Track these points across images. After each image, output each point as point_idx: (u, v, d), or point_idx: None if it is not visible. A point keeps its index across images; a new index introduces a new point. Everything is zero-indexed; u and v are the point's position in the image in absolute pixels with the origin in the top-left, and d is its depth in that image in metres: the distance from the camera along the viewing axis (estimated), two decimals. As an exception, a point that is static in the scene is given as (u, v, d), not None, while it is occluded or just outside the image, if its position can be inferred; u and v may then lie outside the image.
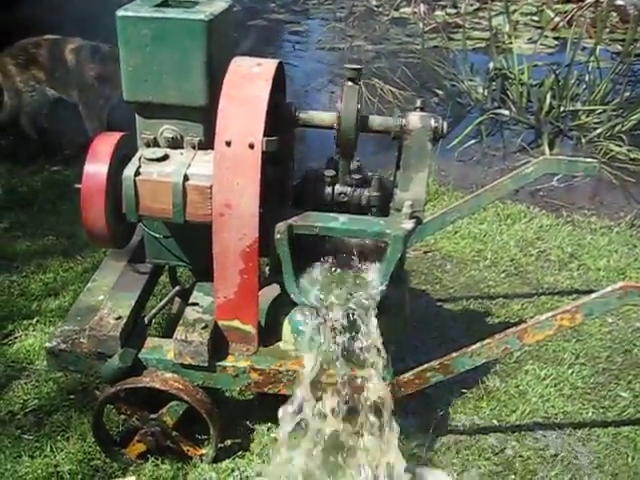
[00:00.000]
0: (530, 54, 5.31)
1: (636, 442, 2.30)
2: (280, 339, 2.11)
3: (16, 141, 4.17)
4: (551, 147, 4.51)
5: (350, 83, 1.97)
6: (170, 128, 2.05)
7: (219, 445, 2.12)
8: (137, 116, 2.07)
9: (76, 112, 4.02)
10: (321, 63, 6.02)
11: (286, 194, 2.10)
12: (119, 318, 2.05)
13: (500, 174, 3.86)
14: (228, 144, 1.83)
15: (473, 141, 4.54)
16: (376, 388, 1.94)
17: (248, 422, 2.29)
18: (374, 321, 1.91)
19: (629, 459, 2.24)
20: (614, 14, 6.79)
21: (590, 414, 2.41)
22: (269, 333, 2.10)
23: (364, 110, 2.04)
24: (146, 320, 2.12)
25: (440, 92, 5.22)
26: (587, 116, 4.76)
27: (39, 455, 2.15)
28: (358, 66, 1.97)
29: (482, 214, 3.55)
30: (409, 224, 1.95)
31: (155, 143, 2.07)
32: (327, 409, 1.95)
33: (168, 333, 2.24)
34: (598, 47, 5.06)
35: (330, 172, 2.04)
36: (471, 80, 5.27)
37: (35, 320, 2.70)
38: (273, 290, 2.14)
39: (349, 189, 2.05)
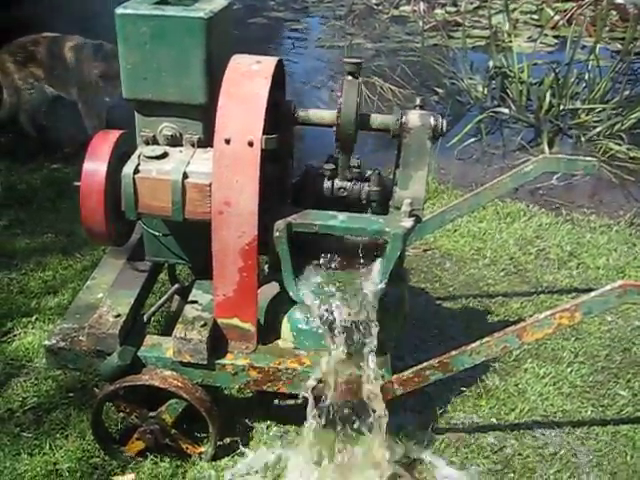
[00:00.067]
0: (530, 52, 5.31)
1: (635, 441, 2.30)
2: (279, 337, 2.11)
3: (15, 139, 4.17)
4: (551, 146, 4.51)
5: (350, 77, 1.96)
6: (169, 126, 2.05)
7: (218, 443, 2.12)
8: (136, 114, 2.07)
9: (75, 110, 4.02)
10: (320, 61, 6.02)
11: (285, 192, 2.10)
12: (118, 316, 2.05)
13: (500, 172, 3.85)
14: (227, 142, 1.82)
15: (473, 139, 4.54)
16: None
17: (247, 420, 2.29)
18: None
19: (628, 457, 2.24)
20: (614, 12, 6.79)
21: (589, 413, 2.41)
22: (268, 331, 2.10)
23: (364, 108, 2.04)
24: (145, 318, 2.12)
25: (440, 90, 5.22)
26: (587, 115, 4.76)
27: (38, 453, 2.15)
28: (358, 60, 1.96)
29: (481, 212, 3.55)
30: (408, 222, 1.95)
31: (154, 141, 2.06)
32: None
33: (167, 331, 2.24)
34: (598, 46, 5.06)
35: (330, 166, 2.04)
36: (471, 78, 5.27)
37: (34, 318, 2.70)
38: (272, 288, 2.14)
39: (349, 184, 2.05)
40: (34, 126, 4.18)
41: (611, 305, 1.95)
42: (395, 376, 2.03)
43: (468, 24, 6.47)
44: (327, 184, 2.05)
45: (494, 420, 2.37)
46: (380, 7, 7.47)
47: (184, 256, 2.25)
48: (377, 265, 2.01)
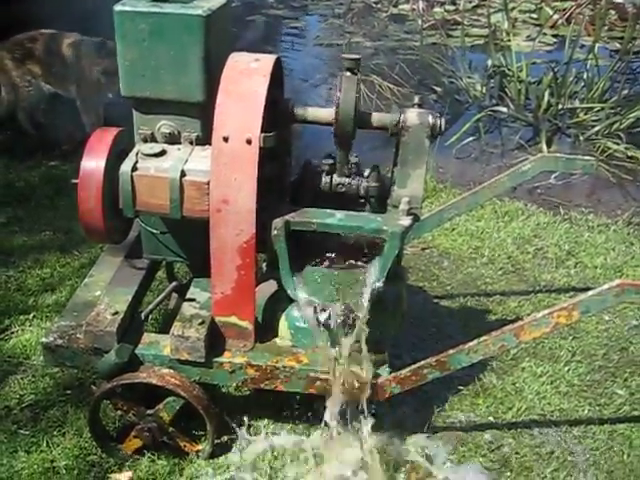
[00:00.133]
0: (529, 51, 5.31)
1: (632, 439, 2.30)
2: (277, 335, 2.11)
3: (13, 136, 4.15)
4: (549, 145, 4.50)
5: (348, 73, 1.96)
6: (167, 123, 2.05)
7: (215, 441, 2.12)
8: (134, 111, 2.07)
9: (73, 107, 4.01)
10: (319, 59, 6.01)
11: (284, 190, 2.10)
12: (116, 313, 2.05)
13: (498, 171, 3.84)
14: (226, 140, 1.82)
15: (471, 138, 4.54)
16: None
17: (245, 418, 2.28)
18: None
19: (624, 456, 2.25)
20: (612, 12, 6.78)
21: (586, 411, 2.41)
22: (266, 329, 2.10)
23: (362, 107, 2.03)
24: (143, 316, 2.12)
25: (438, 89, 5.21)
26: (585, 114, 4.76)
27: (35, 450, 2.14)
28: (356, 56, 1.95)
29: (480, 211, 3.55)
30: (406, 221, 1.95)
31: (152, 138, 2.06)
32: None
33: (165, 329, 2.24)
34: (596, 45, 5.05)
35: (328, 161, 2.04)
36: (469, 77, 5.27)
37: (32, 315, 2.70)
38: (270, 286, 2.14)
39: (347, 180, 2.05)
40: (32, 123, 4.17)
41: (609, 304, 1.95)
42: (393, 374, 2.03)
43: (467, 23, 6.45)
44: (326, 179, 2.05)
45: (491, 419, 2.37)
46: (379, 5, 7.46)
47: (182, 254, 2.25)
48: (375, 263, 2.01)
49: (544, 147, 4.44)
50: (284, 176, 2.13)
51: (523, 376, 2.54)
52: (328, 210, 1.98)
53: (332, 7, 7.47)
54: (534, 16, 7.12)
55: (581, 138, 4.57)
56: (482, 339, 1.97)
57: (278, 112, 2.01)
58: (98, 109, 4.00)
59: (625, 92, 4.90)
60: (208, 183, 1.87)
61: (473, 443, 2.27)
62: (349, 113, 1.93)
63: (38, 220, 3.37)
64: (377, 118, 2.02)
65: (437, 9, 7.16)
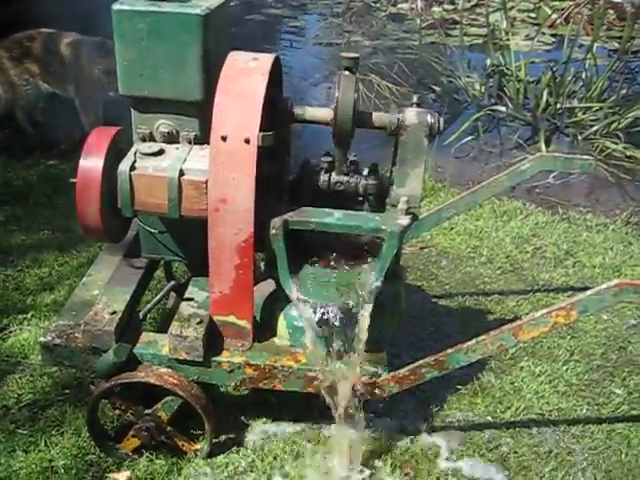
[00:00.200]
0: (527, 51, 5.32)
1: (630, 439, 2.30)
2: (275, 335, 2.11)
3: (12, 135, 4.15)
4: (547, 144, 4.51)
5: (347, 72, 1.95)
6: (166, 123, 2.04)
7: (214, 440, 2.12)
8: (133, 110, 2.06)
9: (72, 106, 4.00)
10: (318, 58, 6.01)
11: (282, 189, 2.10)
12: (114, 313, 2.05)
13: (496, 171, 3.85)
14: (224, 139, 1.82)
15: (470, 137, 4.54)
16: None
17: (243, 417, 2.29)
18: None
19: (623, 456, 2.25)
20: (611, 11, 6.79)
21: (584, 411, 2.42)
22: (264, 328, 2.10)
23: (361, 106, 2.03)
24: (141, 315, 2.11)
25: (437, 88, 5.21)
26: (584, 113, 4.76)
27: (33, 450, 2.14)
28: (355, 55, 1.95)
29: (478, 211, 3.55)
30: (405, 220, 1.95)
31: (151, 138, 2.06)
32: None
33: (163, 328, 2.23)
34: (595, 44, 5.06)
35: (327, 158, 2.04)
36: (468, 76, 5.27)
37: (30, 314, 2.70)
38: (268, 285, 2.13)
39: (345, 178, 2.05)
40: (30, 122, 4.17)
41: (607, 304, 1.95)
42: (391, 374, 2.03)
43: (465, 22, 6.46)
44: (324, 177, 2.05)
45: (490, 418, 2.37)
46: (378, 5, 7.46)
47: (180, 253, 2.25)
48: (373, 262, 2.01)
49: (543, 146, 4.44)
50: (283, 175, 2.13)
51: (522, 375, 2.54)
52: (326, 209, 1.98)
53: (331, 6, 7.48)
54: (533, 15, 7.13)
55: (579, 137, 4.57)
56: (480, 338, 1.97)
57: (277, 111, 2.01)
58: (97, 108, 4.00)
59: (623, 92, 4.90)
60: (206, 182, 1.87)
61: (471, 442, 2.27)
62: (348, 113, 1.93)
63: (36, 219, 3.37)
64: (376, 117, 2.02)
65: (436, 8, 7.17)
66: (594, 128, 4.57)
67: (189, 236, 2.13)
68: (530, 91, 4.98)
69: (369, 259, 2.05)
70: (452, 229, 3.43)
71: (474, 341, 1.97)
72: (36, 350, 2.47)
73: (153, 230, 2.17)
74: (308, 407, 2.18)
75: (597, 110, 4.72)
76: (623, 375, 2.58)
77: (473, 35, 6.43)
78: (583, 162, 2.58)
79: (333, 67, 5.55)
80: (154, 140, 2.06)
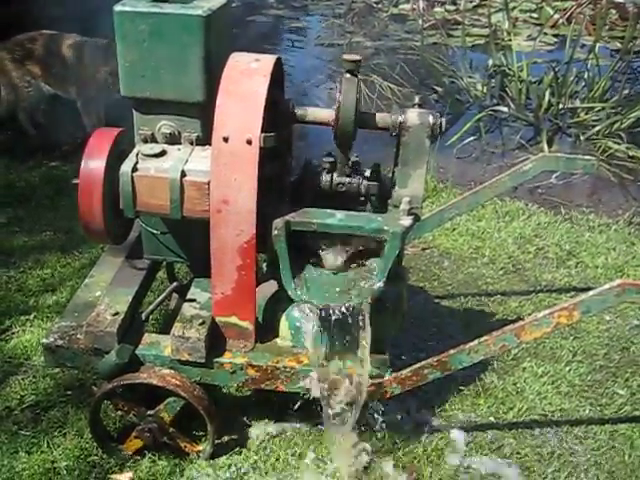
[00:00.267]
0: (529, 51, 5.31)
1: (633, 439, 2.30)
2: (277, 335, 2.11)
3: (14, 136, 4.16)
4: (550, 144, 4.50)
5: (348, 75, 1.95)
6: (168, 124, 2.05)
7: (216, 441, 2.12)
8: (134, 112, 2.07)
9: (74, 108, 4.01)
10: (320, 59, 6.01)
11: (284, 190, 2.10)
12: (116, 314, 2.05)
13: (499, 171, 3.85)
14: (226, 140, 1.82)
15: (472, 138, 4.54)
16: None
17: (245, 418, 2.28)
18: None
19: (626, 457, 2.24)
20: (613, 11, 6.77)
21: (587, 411, 2.41)
22: (266, 329, 2.10)
23: (363, 107, 2.03)
24: (143, 316, 2.11)
25: (439, 89, 5.21)
26: (586, 113, 4.75)
27: (36, 451, 2.14)
28: (357, 58, 1.94)
29: (480, 211, 3.55)
30: (407, 221, 1.95)
31: (153, 139, 2.06)
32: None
33: (165, 329, 2.23)
34: (597, 44, 5.05)
35: (329, 159, 2.04)
36: (470, 77, 5.27)
37: (32, 316, 2.70)
38: (270, 286, 2.13)
39: (347, 179, 2.05)
40: (32, 124, 4.17)
41: (610, 304, 1.95)
42: (394, 375, 2.03)
43: (467, 22, 6.45)
44: (326, 178, 2.05)
45: (492, 419, 2.37)
46: (379, 5, 7.46)
47: (182, 254, 2.25)
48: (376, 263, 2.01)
49: (545, 147, 4.43)
50: (284, 176, 2.13)
51: (524, 376, 2.54)
52: (328, 210, 1.98)
53: (333, 7, 7.47)
54: (535, 16, 7.12)
55: (582, 138, 4.56)
56: (483, 339, 1.96)
57: (278, 112, 2.01)
58: (99, 110, 4.00)
59: (626, 92, 4.89)
60: (208, 183, 1.87)
61: (474, 443, 2.27)
62: (349, 115, 1.93)
63: (39, 220, 3.37)
64: (378, 118, 2.02)
65: (438, 9, 7.16)
66: (596, 128, 4.56)
67: (191, 237, 2.13)
68: (532, 91, 4.98)
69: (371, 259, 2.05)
70: (454, 230, 3.43)
71: (476, 342, 1.97)
72: (38, 351, 2.48)
73: (155, 231, 2.17)
74: (310, 408, 2.17)
75: (599, 110, 4.72)
76: (626, 376, 2.58)
77: (475, 35, 6.42)
78: (585, 162, 2.58)
79: (335, 68, 5.56)
80: (156, 141, 2.06)
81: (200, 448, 2.14)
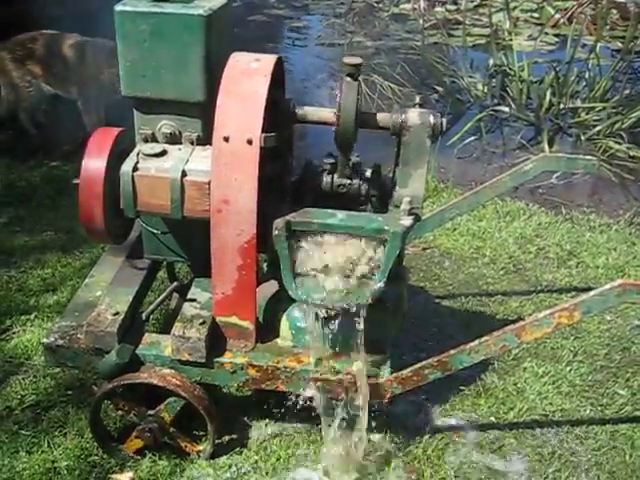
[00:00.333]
0: (530, 51, 5.31)
1: (634, 440, 2.30)
2: (278, 335, 2.11)
3: (15, 136, 4.16)
4: (551, 144, 4.50)
5: (349, 79, 1.95)
6: (168, 124, 2.05)
7: (217, 441, 2.12)
8: (135, 111, 2.07)
9: (75, 108, 4.01)
10: (320, 59, 6.01)
11: (285, 190, 2.10)
12: (117, 314, 2.05)
13: (499, 171, 3.84)
14: (226, 140, 1.82)
15: (472, 138, 4.54)
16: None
17: (245, 418, 2.28)
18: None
19: (627, 457, 2.24)
20: (614, 11, 6.77)
21: (588, 412, 2.41)
22: (267, 329, 2.10)
23: (363, 107, 2.03)
24: (144, 316, 2.11)
25: (440, 89, 5.21)
26: (587, 113, 4.75)
27: (36, 451, 2.14)
28: (357, 61, 1.94)
29: (481, 211, 3.55)
30: (408, 221, 1.94)
31: (153, 138, 2.06)
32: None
33: (166, 329, 2.23)
34: (598, 44, 5.05)
35: (329, 160, 2.03)
36: (471, 77, 5.26)
37: (33, 315, 2.70)
38: (271, 286, 2.13)
39: (348, 180, 2.05)
40: (33, 124, 4.17)
41: (610, 304, 1.95)
42: (394, 375, 2.03)
43: (468, 22, 6.44)
44: (327, 179, 2.05)
45: (493, 419, 2.37)
46: (380, 5, 7.45)
47: (183, 254, 2.25)
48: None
49: (546, 147, 4.43)
50: (285, 176, 2.13)
51: (525, 376, 2.54)
52: (329, 210, 1.97)
53: (333, 6, 7.47)
54: (536, 15, 7.12)
55: (583, 138, 4.56)
56: (483, 339, 1.96)
57: (279, 112, 2.01)
58: (99, 109, 4.00)
59: (627, 92, 4.89)
60: (209, 183, 1.87)
61: (474, 443, 2.26)
62: (350, 118, 1.92)
63: (39, 220, 3.37)
64: (378, 118, 2.02)
65: (438, 8, 7.15)
66: (597, 128, 4.56)
67: (192, 237, 2.13)
68: (533, 91, 4.97)
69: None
70: (455, 230, 3.43)
71: (477, 342, 1.97)
72: (39, 351, 2.48)
73: (156, 231, 2.17)
74: (311, 408, 2.17)
75: (600, 110, 4.71)
76: (627, 376, 2.57)
77: (476, 35, 6.42)
78: (586, 162, 2.58)
79: (336, 68, 5.55)
80: (156, 141, 2.06)
81: (200, 448, 2.13)
